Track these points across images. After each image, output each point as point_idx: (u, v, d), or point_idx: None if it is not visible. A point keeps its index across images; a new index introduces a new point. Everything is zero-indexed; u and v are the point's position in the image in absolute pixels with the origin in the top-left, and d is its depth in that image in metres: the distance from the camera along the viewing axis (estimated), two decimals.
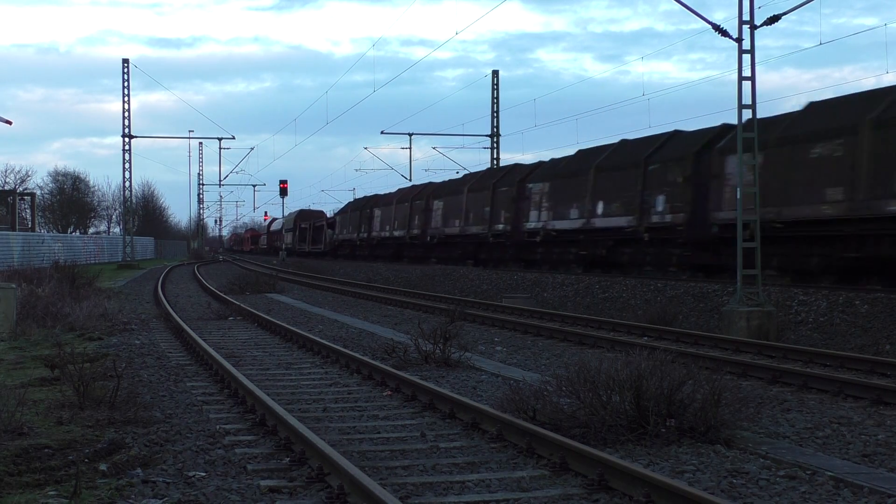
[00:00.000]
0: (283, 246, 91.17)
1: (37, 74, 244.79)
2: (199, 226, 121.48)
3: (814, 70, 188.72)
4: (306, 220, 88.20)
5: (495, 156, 55.99)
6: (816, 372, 12.64)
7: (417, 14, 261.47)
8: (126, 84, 62.04)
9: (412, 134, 59.73)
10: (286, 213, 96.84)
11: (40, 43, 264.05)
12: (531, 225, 36.14)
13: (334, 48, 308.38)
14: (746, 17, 18.40)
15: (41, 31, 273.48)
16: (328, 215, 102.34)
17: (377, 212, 58.90)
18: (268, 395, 10.45)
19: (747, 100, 18.61)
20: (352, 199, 74.06)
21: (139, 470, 7.69)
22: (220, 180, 77.11)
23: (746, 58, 18.49)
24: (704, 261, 26.51)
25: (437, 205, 47.16)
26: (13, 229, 60.34)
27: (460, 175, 53.01)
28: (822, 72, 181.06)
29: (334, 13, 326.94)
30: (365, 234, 61.09)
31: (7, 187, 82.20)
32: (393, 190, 61.51)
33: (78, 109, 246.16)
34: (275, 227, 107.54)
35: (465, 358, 14.09)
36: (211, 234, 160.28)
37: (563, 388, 9.22)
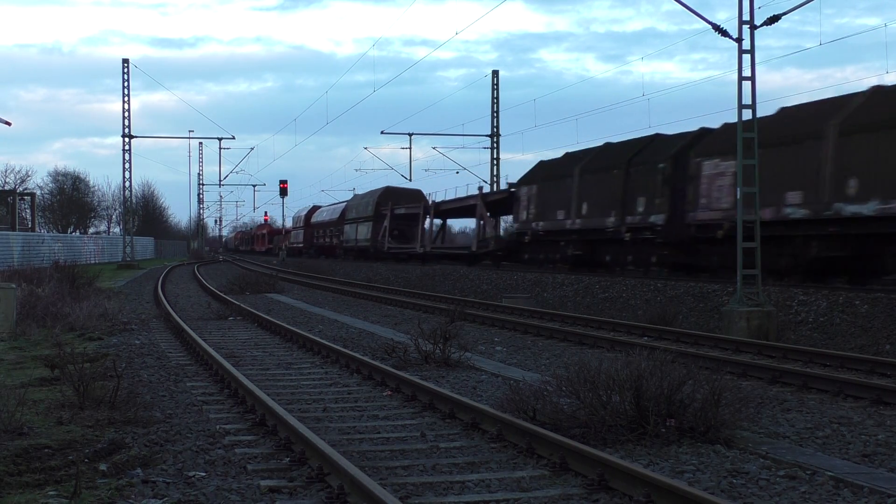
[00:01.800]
0: (335, 243, 67.69)
1: (39, 74, 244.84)
2: (199, 226, 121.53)
3: (816, 70, 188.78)
4: (407, 205, 54.45)
5: (495, 156, 56.03)
6: (816, 372, 12.64)
7: (419, 14, 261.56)
8: (126, 84, 62.07)
9: (412, 134, 59.56)
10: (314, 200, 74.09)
11: (43, 43, 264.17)
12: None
13: (336, 48, 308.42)
14: (746, 17, 18.42)
15: (44, 32, 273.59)
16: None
17: (716, 165, 24.77)
18: (268, 395, 10.45)
19: (747, 100, 18.63)
20: (566, 153, 36.46)
21: (139, 470, 7.68)
22: (220, 180, 77.06)
23: (746, 58, 18.50)
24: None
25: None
26: (13, 229, 60.36)
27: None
28: (825, 72, 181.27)
29: (338, 13, 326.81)
30: (655, 218, 27.53)
31: (7, 187, 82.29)
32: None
33: (80, 109, 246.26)
34: (321, 217, 76.85)
35: (465, 358, 14.09)
36: (211, 234, 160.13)
37: (563, 388, 9.22)
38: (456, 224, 54.41)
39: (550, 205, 34.55)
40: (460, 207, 48.59)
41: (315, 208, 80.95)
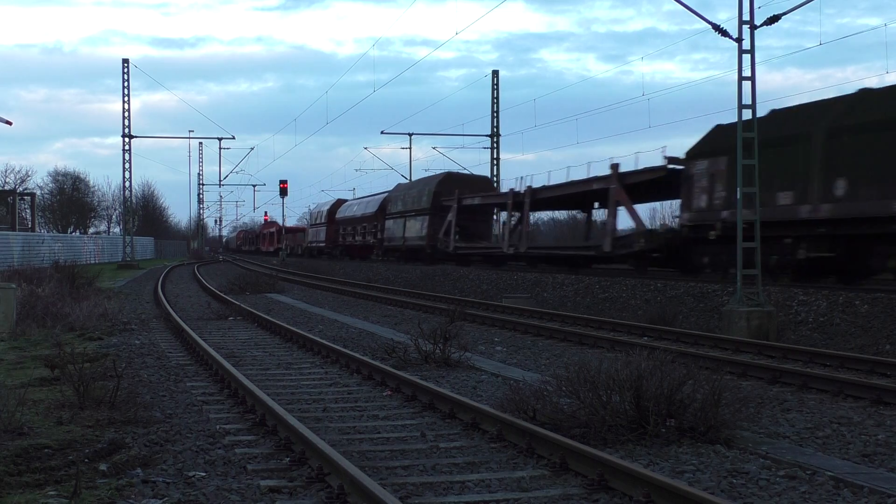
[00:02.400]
0: (372, 242, 56.74)
1: (40, 74, 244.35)
2: (199, 226, 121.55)
3: (817, 70, 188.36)
4: (483, 193, 44.74)
5: (495, 156, 56.05)
6: (816, 372, 12.64)
7: (420, 14, 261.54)
8: (126, 84, 62.09)
9: (412, 134, 59.53)
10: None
11: (45, 43, 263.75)
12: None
13: (338, 48, 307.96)
14: (746, 17, 18.42)
15: (46, 32, 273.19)
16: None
17: None
18: (268, 395, 10.46)
19: (747, 100, 18.63)
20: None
21: (139, 470, 7.69)
22: (220, 180, 77.17)
23: (746, 58, 18.50)
24: None
25: None
26: (13, 229, 60.40)
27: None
28: (825, 72, 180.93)
29: (339, 13, 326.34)
30: None
31: (7, 187, 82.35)
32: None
33: (80, 109, 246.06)
34: (350, 211, 64.48)
35: (465, 358, 14.10)
36: (211, 235, 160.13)
37: (563, 388, 9.23)
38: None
39: (760, 184, 21.36)
40: (574, 194, 35.08)
41: (340, 202, 70.12)
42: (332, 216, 69.30)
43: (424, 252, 46.46)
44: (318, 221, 75.50)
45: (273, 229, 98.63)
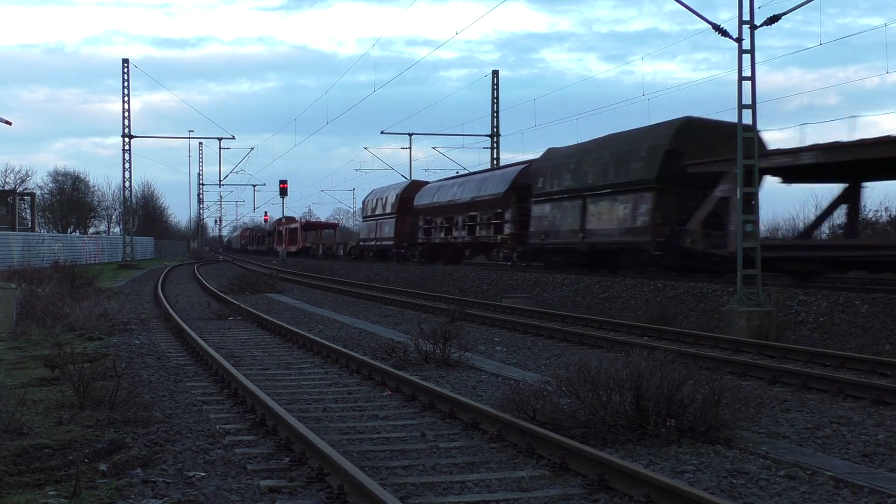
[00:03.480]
0: (498, 239, 38.29)
1: (41, 74, 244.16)
2: (199, 226, 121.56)
3: (818, 70, 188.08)
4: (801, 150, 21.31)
5: (495, 156, 56.05)
6: (816, 372, 12.64)
7: (421, 14, 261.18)
8: (126, 84, 62.09)
9: (412, 134, 59.27)
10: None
11: (46, 43, 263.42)
12: None
13: (339, 48, 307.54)
14: (747, 17, 18.42)
15: (48, 32, 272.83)
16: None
17: None
18: (268, 395, 10.46)
19: (747, 100, 18.63)
20: None
21: (139, 470, 7.69)
22: (220, 180, 77.17)
23: (746, 58, 18.50)
24: None
25: None
26: (13, 229, 60.41)
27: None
28: (827, 72, 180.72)
29: (341, 13, 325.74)
30: None
31: (7, 187, 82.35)
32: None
33: (81, 109, 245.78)
34: (446, 195, 44.43)
35: (465, 358, 14.10)
36: (211, 234, 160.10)
37: (563, 388, 9.23)
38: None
39: None
40: None
41: (419, 184, 51.35)
42: (406, 204, 50.08)
43: (642, 253, 27.72)
44: (378, 213, 55.29)
45: (294, 225, 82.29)
